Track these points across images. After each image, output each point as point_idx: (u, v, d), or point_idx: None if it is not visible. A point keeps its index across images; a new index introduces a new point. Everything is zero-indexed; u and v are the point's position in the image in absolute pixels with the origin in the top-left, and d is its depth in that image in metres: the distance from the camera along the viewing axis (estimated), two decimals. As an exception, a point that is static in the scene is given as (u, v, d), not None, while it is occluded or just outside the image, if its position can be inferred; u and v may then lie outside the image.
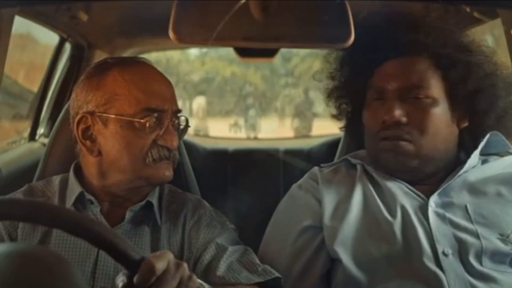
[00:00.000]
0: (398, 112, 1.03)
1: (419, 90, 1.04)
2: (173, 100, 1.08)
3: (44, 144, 1.91)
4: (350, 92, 1.17)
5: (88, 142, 1.07)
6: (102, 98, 1.05)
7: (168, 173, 1.08)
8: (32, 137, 2.04)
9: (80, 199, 1.07)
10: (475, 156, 1.07)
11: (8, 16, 1.24)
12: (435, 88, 1.05)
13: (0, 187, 1.49)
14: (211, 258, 1.04)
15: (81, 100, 1.07)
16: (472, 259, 0.97)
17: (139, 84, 1.05)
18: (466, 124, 1.08)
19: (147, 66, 1.10)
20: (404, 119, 1.03)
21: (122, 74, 1.06)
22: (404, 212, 1.02)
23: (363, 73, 1.12)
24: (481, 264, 0.97)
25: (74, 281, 0.63)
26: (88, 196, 1.07)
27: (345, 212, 1.05)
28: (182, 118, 1.12)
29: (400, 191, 1.05)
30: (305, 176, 1.17)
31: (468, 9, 1.51)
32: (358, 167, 1.12)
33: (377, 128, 1.07)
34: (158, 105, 1.05)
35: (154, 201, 1.10)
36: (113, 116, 1.04)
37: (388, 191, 1.05)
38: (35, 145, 2.01)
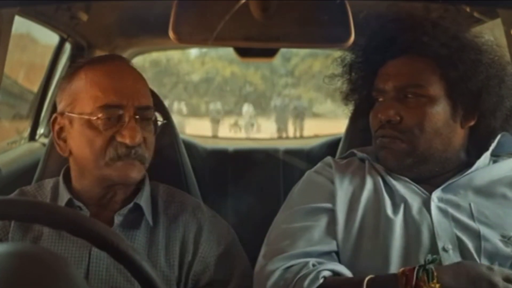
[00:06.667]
0: (391, 111, 1.05)
1: (414, 89, 1.05)
2: (137, 95, 1.05)
3: (44, 144, 1.91)
4: (357, 94, 1.18)
5: (61, 142, 1.08)
6: (69, 98, 1.06)
7: (133, 174, 1.04)
8: (32, 137, 2.04)
9: (69, 205, 1.06)
10: (485, 158, 1.07)
11: (8, 16, 1.24)
12: (433, 87, 1.05)
13: (0, 187, 1.49)
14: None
15: (57, 101, 1.10)
16: (472, 257, 0.97)
17: (98, 82, 1.04)
18: (471, 124, 1.08)
19: (116, 63, 1.09)
20: (397, 118, 1.04)
21: (86, 73, 1.06)
22: (407, 208, 1.03)
23: (367, 76, 1.13)
24: (481, 262, 0.97)
25: (74, 280, 0.63)
26: (77, 203, 1.06)
27: (356, 203, 1.05)
28: (155, 113, 1.09)
29: (404, 187, 1.06)
30: (319, 163, 1.17)
31: (468, 9, 1.51)
32: (367, 162, 1.12)
33: (376, 127, 1.08)
34: (115, 101, 1.03)
35: (143, 202, 1.08)
36: (76, 115, 1.04)
37: (393, 186, 1.06)
38: (35, 145, 2.01)
